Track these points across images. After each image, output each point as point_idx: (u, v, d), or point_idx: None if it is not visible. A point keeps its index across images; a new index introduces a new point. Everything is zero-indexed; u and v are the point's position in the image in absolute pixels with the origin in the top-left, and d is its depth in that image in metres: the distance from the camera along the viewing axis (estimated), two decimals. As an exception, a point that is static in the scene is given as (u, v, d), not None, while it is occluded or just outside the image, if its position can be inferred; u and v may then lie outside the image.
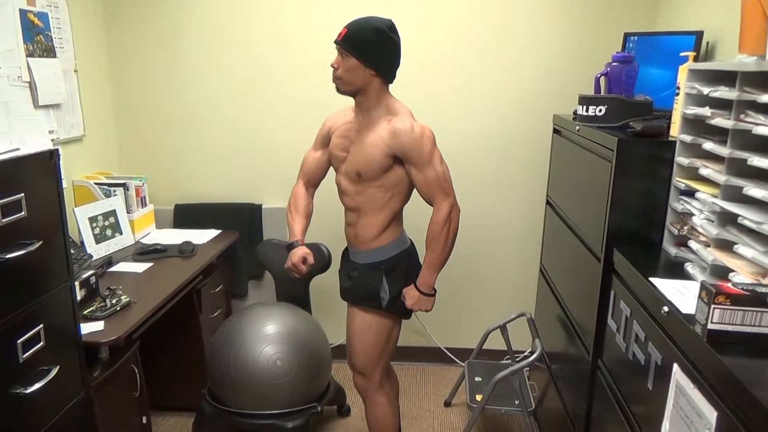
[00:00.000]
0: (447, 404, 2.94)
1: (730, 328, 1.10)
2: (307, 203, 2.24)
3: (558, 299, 2.37)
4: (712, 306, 1.10)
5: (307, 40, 2.95)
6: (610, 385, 1.69)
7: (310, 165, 2.23)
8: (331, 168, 2.21)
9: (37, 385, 1.52)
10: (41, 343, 1.57)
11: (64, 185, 2.65)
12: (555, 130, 2.56)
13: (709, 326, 1.11)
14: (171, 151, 3.15)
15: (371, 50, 1.93)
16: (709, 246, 1.44)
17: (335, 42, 1.95)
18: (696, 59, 1.97)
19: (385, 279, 2.07)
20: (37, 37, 2.43)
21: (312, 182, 2.26)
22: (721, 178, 1.38)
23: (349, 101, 2.06)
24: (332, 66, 1.96)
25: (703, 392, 1.11)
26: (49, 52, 2.51)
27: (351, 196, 2.07)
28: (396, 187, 2.03)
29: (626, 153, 1.70)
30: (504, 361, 2.97)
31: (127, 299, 2.08)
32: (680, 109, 1.64)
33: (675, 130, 1.69)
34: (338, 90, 2.00)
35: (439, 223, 2.01)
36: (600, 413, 1.81)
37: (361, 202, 2.05)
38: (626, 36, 2.41)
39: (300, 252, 2.12)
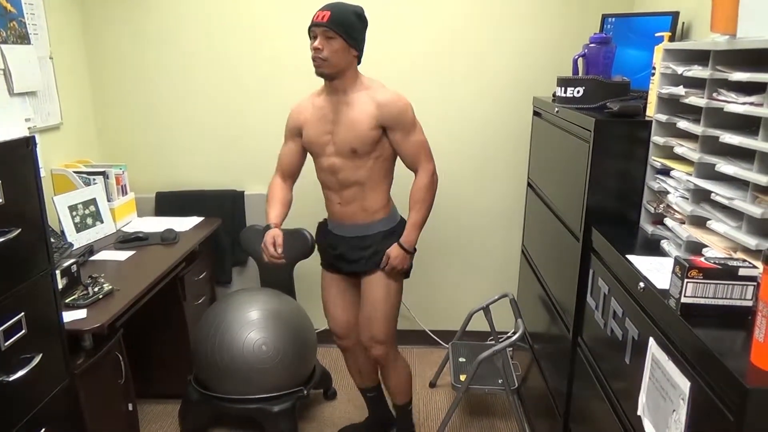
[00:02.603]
0: (432, 385, 2.97)
1: (702, 301, 1.13)
2: (284, 194, 2.29)
3: (539, 280, 2.40)
4: (686, 280, 1.12)
5: (287, 26, 2.93)
6: (590, 361, 1.73)
7: (284, 158, 2.28)
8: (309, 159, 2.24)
9: (20, 373, 1.52)
10: (23, 331, 1.56)
11: (43, 174, 2.61)
12: (535, 113, 2.58)
13: (683, 300, 1.14)
14: (151, 138, 3.12)
15: (354, 32, 2.00)
16: (684, 223, 1.47)
17: (319, 24, 1.96)
18: (672, 39, 1.99)
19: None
20: (10, 23, 2.39)
21: (288, 174, 2.30)
22: (695, 155, 1.41)
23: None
24: (317, 48, 1.97)
25: (677, 364, 1.14)
26: (23, 38, 2.47)
27: (350, 171, 2.11)
28: (393, 155, 2.15)
29: (603, 133, 1.72)
30: (487, 342, 3.01)
31: (110, 287, 2.07)
32: (656, 89, 1.66)
33: (651, 110, 1.71)
34: (321, 73, 2.02)
35: (424, 186, 2.13)
36: (580, 390, 1.84)
37: (364, 176, 2.11)
38: (604, 17, 2.42)
39: (271, 233, 2.18)
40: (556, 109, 2.12)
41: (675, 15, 2.09)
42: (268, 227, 2.20)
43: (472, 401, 2.84)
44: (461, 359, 2.72)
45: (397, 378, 2.35)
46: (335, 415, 2.73)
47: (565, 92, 2.02)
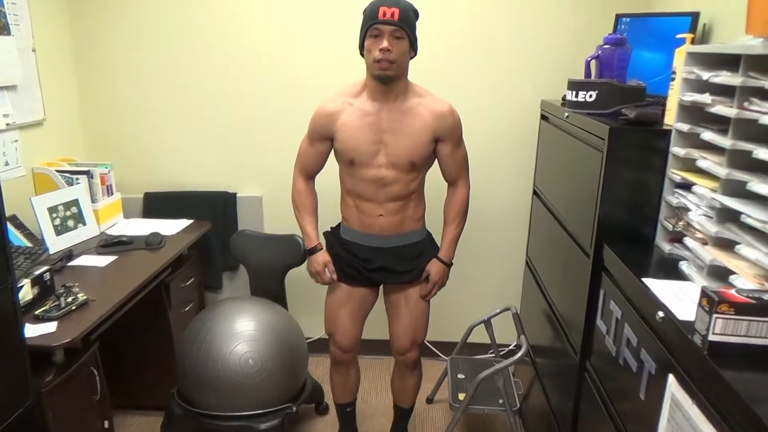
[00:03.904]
0: (429, 401, 2.84)
1: (733, 339, 1.00)
2: (312, 198, 2.19)
3: (545, 294, 2.26)
4: (714, 315, 0.99)
5: (279, 25, 2.80)
6: (598, 387, 1.60)
7: (308, 158, 2.13)
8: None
9: (-26, 397, 1.39)
10: (-22, 351, 1.43)
11: (23, 173, 2.50)
12: (543, 117, 2.44)
13: (711, 337, 1.00)
14: (140, 135, 2.99)
15: (415, 31, 1.93)
16: (706, 244, 1.34)
17: (388, 23, 1.82)
18: (693, 42, 1.86)
19: None
20: (-12, 13, 2.26)
21: (312, 175, 2.19)
22: (721, 171, 1.26)
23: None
24: (386, 49, 1.83)
25: (702, 409, 1.01)
26: (2, 29, 2.34)
27: (404, 184, 2.02)
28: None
29: (618, 142, 1.58)
30: (488, 356, 2.88)
31: (84, 297, 1.93)
32: (676, 95, 1.52)
33: (670, 118, 1.57)
34: (386, 76, 1.88)
35: (465, 200, 2.14)
36: (587, 414, 1.72)
37: (416, 187, 2.07)
38: (618, 17, 2.29)
39: (321, 259, 2.12)
40: (566, 113, 1.98)
41: (695, 15, 1.95)
42: (313, 249, 2.12)
43: (470, 420, 2.71)
44: (460, 375, 2.58)
45: (417, 379, 2.35)
46: (327, 431, 2.60)
47: (577, 96, 1.89)
